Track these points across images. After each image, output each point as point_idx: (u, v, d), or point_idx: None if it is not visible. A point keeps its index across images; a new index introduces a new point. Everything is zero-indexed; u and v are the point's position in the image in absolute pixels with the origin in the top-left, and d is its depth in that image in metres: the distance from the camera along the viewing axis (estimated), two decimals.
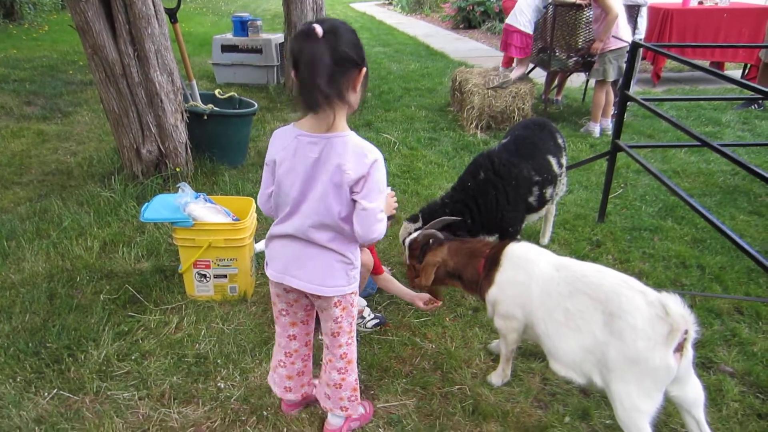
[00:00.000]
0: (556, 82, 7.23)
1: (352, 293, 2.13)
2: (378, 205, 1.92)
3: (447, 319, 3.13)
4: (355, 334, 2.25)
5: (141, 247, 3.67)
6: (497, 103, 6.02)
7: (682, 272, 3.60)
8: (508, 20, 6.65)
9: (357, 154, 1.91)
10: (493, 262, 2.49)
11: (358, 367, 2.72)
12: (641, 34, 6.59)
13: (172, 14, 4.47)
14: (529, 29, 6.40)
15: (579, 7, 6.00)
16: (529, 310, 2.33)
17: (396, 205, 2.68)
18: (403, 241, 3.00)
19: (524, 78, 6.43)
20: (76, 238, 3.74)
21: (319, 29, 1.70)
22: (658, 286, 3.38)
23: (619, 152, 4.01)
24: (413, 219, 3.33)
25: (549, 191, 3.43)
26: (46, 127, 5.83)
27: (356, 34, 1.82)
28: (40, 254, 3.57)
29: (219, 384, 2.62)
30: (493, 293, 2.45)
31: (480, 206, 3.22)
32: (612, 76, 5.93)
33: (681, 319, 1.89)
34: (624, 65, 5.85)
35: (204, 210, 3.08)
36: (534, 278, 2.31)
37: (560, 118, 6.69)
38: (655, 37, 8.09)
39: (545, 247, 3.66)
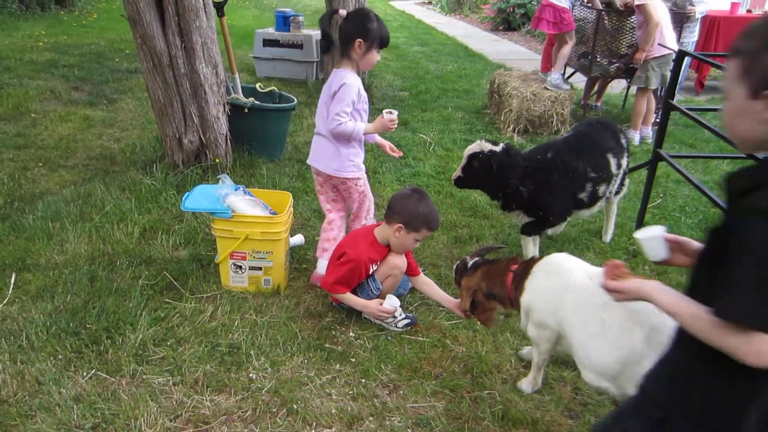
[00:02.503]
0: (596, 87, 7.11)
1: (353, 179, 3.20)
2: (335, 108, 3.00)
3: (478, 322, 3.11)
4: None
5: (179, 236, 3.74)
6: (536, 107, 5.95)
7: None
8: None
9: (337, 80, 3.00)
10: (523, 275, 2.47)
11: (387, 366, 2.75)
12: (692, 39, 6.42)
13: (219, 8, 4.54)
14: (564, 2, 6.17)
15: (623, 13, 5.87)
16: (562, 318, 2.30)
17: (393, 126, 3.19)
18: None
19: (564, 81, 6.32)
20: (117, 223, 3.84)
21: (343, 12, 3.06)
22: None
23: (661, 161, 3.92)
24: (494, 142, 3.33)
25: (602, 188, 3.43)
26: (92, 112, 5.99)
27: (366, 21, 2.99)
28: (83, 237, 3.67)
29: (251, 375, 2.66)
30: (525, 300, 2.43)
31: (539, 183, 3.29)
32: (654, 84, 5.80)
33: None
34: (668, 73, 5.72)
35: (243, 202, 3.12)
36: (567, 286, 2.28)
37: None
38: (700, 45, 7.88)
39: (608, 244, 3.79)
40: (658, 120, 6.12)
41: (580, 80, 7.17)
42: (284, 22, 7.73)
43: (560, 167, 3.30)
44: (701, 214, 4.45)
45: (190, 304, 3.12)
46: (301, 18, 7.80)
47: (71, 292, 3.15)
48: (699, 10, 6.30)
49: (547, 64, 6.92)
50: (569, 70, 7.08)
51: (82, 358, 2.69)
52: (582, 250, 3.84)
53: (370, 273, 3.05)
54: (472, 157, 3.28)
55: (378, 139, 3.39)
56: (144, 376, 2.61)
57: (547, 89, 6.14)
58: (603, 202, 3.63)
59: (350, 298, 2.97)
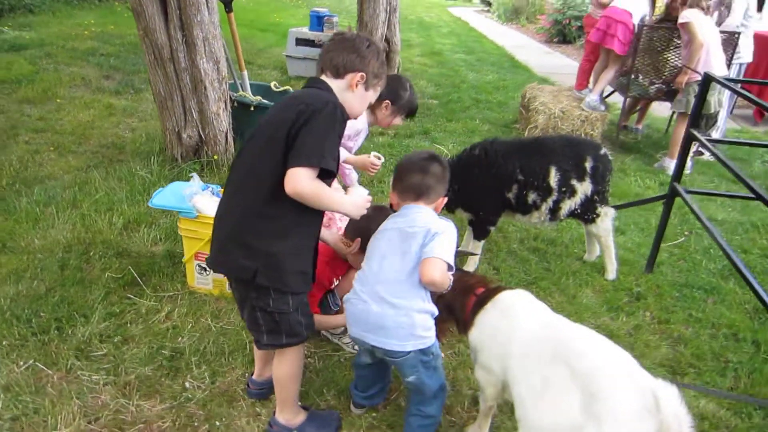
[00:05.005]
0: (638, 107, 6.68)
1: None
2: None
3: (443, 354, 2.89)
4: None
5: (161, 230, 3.71)
6: (563, 126, 5.64)
7: (731, 346, 3.13)
8: (617, 3, 5.71)
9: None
10: (481, 303, 2.25)
11: (330, 391, 2.59)
12: (745, 59, 5.91)
13: (227, 3, 4.50)
14: (636, 22, 5.63)
15: (674, 29, 5.44)
16: (507, 366, 2.06)
17: (372, 171, 3.13)
18: None
19: (601, 101, 5.96)
20: (104, 212, 3.85)
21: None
22: (698, 357, 2.98)
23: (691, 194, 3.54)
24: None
25: (533, 196, 3.39)
26: (115, 101, 6.12)
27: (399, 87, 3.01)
28: (68, 224, 3.70)
29: (186, 383, 2.56)
30: (473, 337, 2.22)
31: (463, 180, 3.31)
32: (712, 108, 5.33)
33: (674, 420, 1.57)
34: (718, 98, 5.28)
35: (210, 203, 3.03)
36: (515, 330, 2.05)
37: (635, 150, 6.17)
38: (763, 70, 7.29)
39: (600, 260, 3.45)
40: (699, 149, 5.69)
41: (617, 100, 6.77)
42: (318, 21, 7.69)
43: (482, 162, 3.35)
44: (726, 259, 4.04)
45: (150, 301, 3.06)
46: (335, 18, 7.74)
47: (38, 278, 3.15)
48: (737, 23, 5.70)
49: (584, 81, 6.56)
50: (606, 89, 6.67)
51: (26, 347, 2.67)
52: (579, 286, 3.56)
53: (332, 287, 2.90)
54: None
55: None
56: (79, 372, 2.55)
57: (583, 109, 5.80)
58: (545, 216, 3.48)
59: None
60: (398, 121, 3.22)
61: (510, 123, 6.76)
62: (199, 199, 3.02)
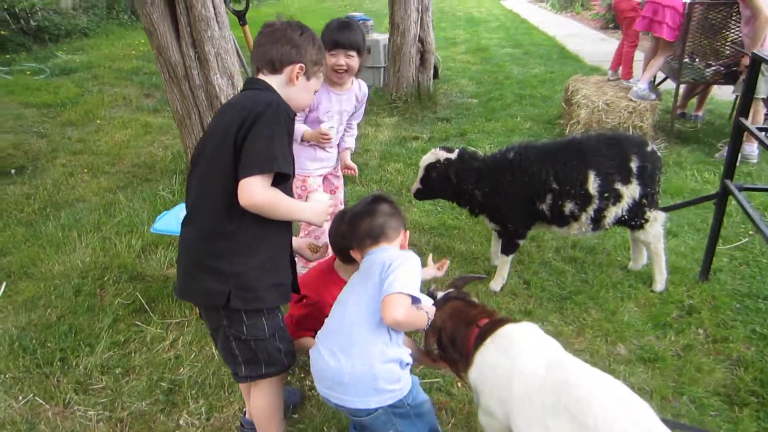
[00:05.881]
0: (697, 92, 6.08)
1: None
2: None
3: (457, 384, 2.64)
4: None
5: (177, 253, 3.65)
6: (608, 119, 5.19)
7: None
8: None
9: None
10: (483, 337, 1.99)
11: (332, 428, 2.41)
12: None
13: (240, 16, 4.41)
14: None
15: (731, 5, 4.87)
16: (509, 411, 1.80)
17: (325, 140, 2.77)
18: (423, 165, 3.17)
19: (651, 89, 5.45)
20: (125, 234, 3.85)
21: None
22: (762, 383, 2.58)
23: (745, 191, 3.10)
24: (448, 149, 3.20)
25: (570, 206, 3.06)
26: (153, 119, 6.22)
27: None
28: (89, 248, 3.71)
29: (181, 420, 2.45)
30: (473, 378, 1.96)
31: (493, 184, 3.12)
32: (763, 92, 4.77)
33: None
34: None
35: None
36: (517, 371, 1.78)
37: (693, 139, 5.60)
38: None
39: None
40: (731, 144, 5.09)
41: (670, 86, 6.19)
42: None
43: (515, 168, 3.08)
44: None
45: (156, 329, 2.99)
46: (370, 22, 7.58)
47: (51, 306, 3.16)
48: None
49: (620, 61, 6.05)
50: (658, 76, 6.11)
51: (28, 380, 2.64)
52: (620, 300, 3.19)
53: None
54: (430, 167, 3.15)
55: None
56: (75, 407, 2.50)
57: (631, 99, 5.32)
58: (586, 227, 3.13)
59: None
60: (335, 60, 2.72)
61: (553, 119, 6.34)
62: None
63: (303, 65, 1.90)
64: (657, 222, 3.19)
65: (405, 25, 6.42)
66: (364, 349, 1.77)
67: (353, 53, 2.77)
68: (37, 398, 2.54)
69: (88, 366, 2.71)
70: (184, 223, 1.93)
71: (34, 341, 2.86)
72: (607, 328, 2.97)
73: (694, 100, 6.23)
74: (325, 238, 2.72)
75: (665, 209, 3.40)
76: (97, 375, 2.68)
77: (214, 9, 3.78)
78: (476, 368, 1.94)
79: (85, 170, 4.93)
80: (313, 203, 1.98)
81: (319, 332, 1.93)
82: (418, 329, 1.96)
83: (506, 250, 3.32)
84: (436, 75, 7.64)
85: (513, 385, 1.77)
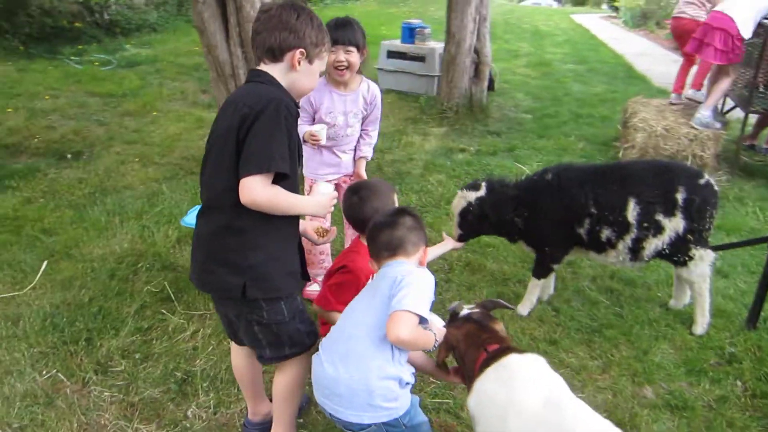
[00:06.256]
0: None
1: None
2: None
3: (467, 408, 2.55)
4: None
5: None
6: (666, 145, 4.94)
7: None
8: (720, 7, 4.97)
9: None
10: (488, 363, 1.91)
11: None
12: None
13: None
14: (744, 32, 4.82)
15: None
16: None
17: (314, 142, 2.68)
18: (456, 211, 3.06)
19: (715, 117, 5.15)
20: (164, 224, 3.97)
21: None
22: None
23: None
24: (474, 186, 3.06)
25: (608, 233, 2.92)
26: (206, 114, 6.41)
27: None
28: (128, 234, 3.85)
29: (189, 411, 2.48)
30: (470, 403, 1.89)
31: (530, 207, 3.01)
32: None
33: None
34: None
35: None
36: (513, 405, 1.70)
37: (760, 174, 5.26)
38: None
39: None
40: None
41: (739, 115, 5.83)
42: (410, 33, 7.54)
43: (554, 191, 2.97)
44: None
45: (179, 319, 3.06)
46: (428, 30, 7.54)
47: (86, 287, 3.28)
48: None
49: (682, 83, 5.75)
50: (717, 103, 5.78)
51: (55, 356, 2.75)
52: (654, 339, 3.00)
53: None
54: (464, 213, 3.02)
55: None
56: (93, 387, 2.58)
57: (692, 127, 5.05)
58: (624, 256, 2.98)
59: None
60: (334, 57, 2.73)
61: (609, 141, 6.10)
62: None
63: (303, 50, 1.87)
64: (703, 261, 2.98)
65: (461, 34, 6.36)
66: (362, 362, 1.74)
67: (352, 49, 2.75)
68: (59, 374, 2.64)
69: (110, 348, 2.80)
70: (198, 218, 1.98)
71: (64, 319, 2.98)
72: (636, 368, 2.80)
73: (766, 132, 5.86)
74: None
75: (716, 248, 3.18)
76: (118, 358, 2.76)
77: None
78: (475, 395, 1.87)
79: (136, 159, 5.13)
80: (316, 196, 1.99)
81: (323, 339, 1.92)
82: (423, 350, 1.91)
83: (538, 274, 3.20)
84: (491, 87, 7.53)
85: (508, 420, 1.70)
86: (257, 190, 1.71)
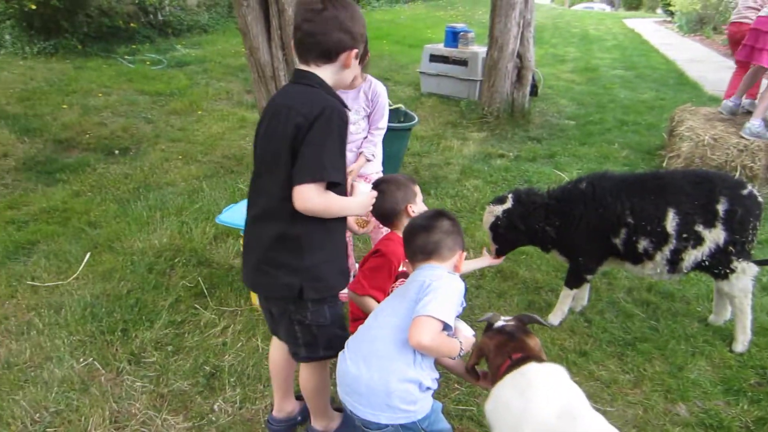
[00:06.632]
0: None
1: None
2: None
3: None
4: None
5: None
6: (714, 155, 4.75)
7: None
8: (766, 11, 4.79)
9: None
10: (507, 371, 1.89)
11: None
12: None
13: None
14: None
15: None
16: None
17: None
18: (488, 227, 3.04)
19: (766, 127, 4.92)
20: (202, 221, 4.07)
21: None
22: None
23: None
24: (500, 200, 3.05)
25: (645, 244, 2.84)
26: (249, 115, 6.55)
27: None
28: (168, 230, 3.97)
29: (216, 405, 2.54)
30: (487, 409, 1.87)
31: (563, 217, 2.95)
32: None
33: None
34: None
35: None
36: (528, 414, 1.67)
37: None
38: None
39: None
40: None
41: None
42: (454, 37, 7.50)
43: (588, 199, 2.90)
44: None
45: (211, 314, 3.13)
46: (471, 34, 7.49)
47: (125, 279, 3.40)
48: None
49: (735, 90, 5.50)
50: None
51: (92, 344, 2.87)
52: (691, 356, 2.90)
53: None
54: (493, 227, 3.01)
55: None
56: (126, 376, 2.68)
57: (742, 137, 4.85)
58: (662, 267, 2.88)
59: None
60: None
61: (654, 149, 5.91)
62: None
63: (357, 50, 1.87)
64: (745, 274, 2.86)
65: (504, 39, 6.29)
66: (383, 363, 1.75)
67: None
68: (95, 362, 2.75)
69: (144, 340, 2.90)
70: (254, 222, 2.00)
71: (103, 310, 3.10)
72: (670, 384, 2.71)
73: None
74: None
75: (760, 262, 3.05)
76: (151, 350, 2.85)
77: None
78: (492, 401, 1.86)
79: (180, 157, 5.29)
80: (358, 196, 2.03)
81: (350, 337, 1.94)
82: (447, 356, 1.89)
83: (571, 284, 3.13)
84: (534, 92, 7.41)
85: (522, 429, 1.67)
86: (312, 199, 1.75)
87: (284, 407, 2.39)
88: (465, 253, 2.02)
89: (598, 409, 1.91)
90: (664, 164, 5.05)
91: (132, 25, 9.14)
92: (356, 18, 1.84)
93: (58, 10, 7.91)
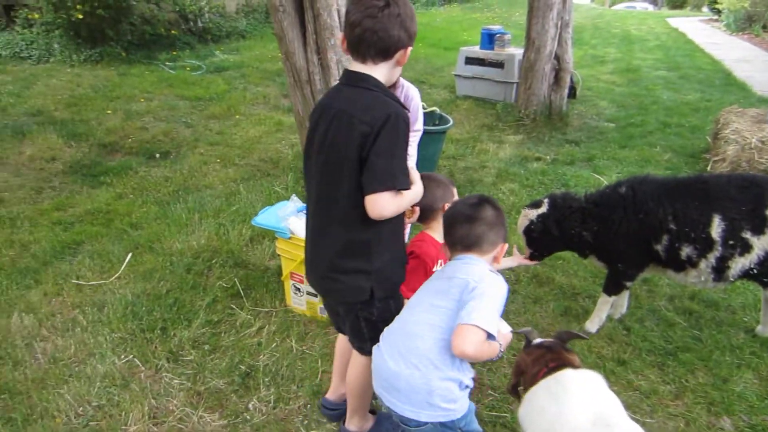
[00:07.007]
0: None
1: None
2: None
3: None
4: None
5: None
6: (762, 159, 4.57)
7: None
8: None
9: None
10: (544, 377, 1.86)
11: None
12: None
13: None
14: None
15: None
16: None
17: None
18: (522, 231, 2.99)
19: None
20: (239, 223, 4.14)
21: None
22: None
23: None
24: (535, 204, 3.00)
25: (688, 251, 2.75)
26: (285, 118, 6.63)
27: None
28: (206, 231, 4.05)
29: (250, 404, 2.58)
30: (521, 414, 1.84)
31: (602, 222, 2.88)
32: None
33: None
34: None
35: (303, 225, 3.04)
36: (562, 420, 1.64)
37: None
38: None
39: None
40: None
41: None
42: (490, 39, 7.44)
43: (627, 204, 2.82)
44: None
45: (247, 314, 3.18)
46: (507, 36, 7.41)
47: (164, 279, 3.49)
48: None
49: None
50: None
51: (133, 342, 2.95)
52: (736, 368, 2.79)
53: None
54: (527, 231, 2.96)
55: None
56: (164, 374, 2.74)
57: None
58: (706, 275, 2.77)
59: None
60: None
61: (699, 152, 5.72)
62: (293, 220, 3.04)
63: (410, 47, 1.88)
64: None
65: (541, 40, 6.20)
66: (424, 361, 1.73)
67: None
68: (135, 359, 2.83)
69: (182, 338, 2.96)
70: (318, 230, 2.01)
71: (143, 308, 3.18)
72: (714, 396, 2.61)
73: None
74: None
75: None
76: (188, 348, 2.91)
77: (339, 18, 3.93)
78: (525, 406, 1.83)
79: (218, 160, 5.40)
80: (418, 186, 1.97)
81: (386, 329, 1.93)
82: (487, 359, 1.86)
83: (609, 290, 3.06)
84: (573, 94, 7.28)
85: None
86: (387, 206, 1.77)
87: (339, 389, 2.46)
88: (506, 245, 1.95)
89: (636, 420, 1.86)
90: (709, 168, 4.88)
91: (173, 32, 9.39)
92: (413, 17, 1.86)
93: (104, 19, 8.19)
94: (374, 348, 1.90)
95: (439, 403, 1.72)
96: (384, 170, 1.74)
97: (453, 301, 1.74)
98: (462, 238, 1.87)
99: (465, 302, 1.70)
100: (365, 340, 2.09)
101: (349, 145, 1.76)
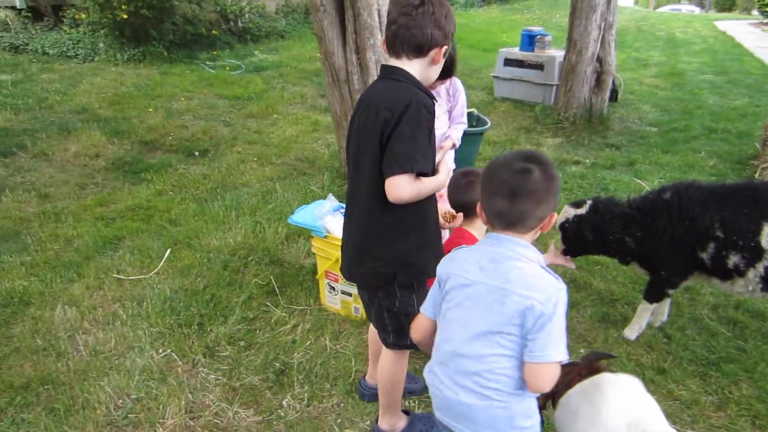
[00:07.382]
0: None
1: None
2: None
3: None
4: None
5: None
6: None
7: None
8: None
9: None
10: (580, 380, 1.82)
11: None
12: None
13: None
14: None
15: None
16: None
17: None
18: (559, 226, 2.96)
19: None
20: (275, 221, 4.19)
21: None
22: None
23: None
24: (578, 204, 2.98)
25: (736, 259, 2.64)
26: (322, 118, 6.68)
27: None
28: (243, 229, 4.11)
29: (284, 401, 2.60)
30: (556, 417, 1.80)
31: (646, 228, 2.81)
32: None
33: None
34: None
35: (339, 224, 3.05)
36: (597, 422, 1.60)
37: None
38: None
39: None
40: None
41: None
42: (530, 41, 7.34)
43: (673, 210, 2.74)
44: None
45: (282, 312, 3.21)
46: (548, 38, 7.29)
47: (201, 275, 3.55)
48: None
49: None
50: None
51: (170, 336, 3.01)
52: None
53: None
54: (562, 228, 2.95)
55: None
56: (201, 369, 2.79)
57: None
58: (754, 285, 2.66)
59: None
60: None
61: (746, 159, 5.52)
62: (329, 219, 3.05)
63: (447, 48, 1.89)
64: None
65: (583, 42, 6.08)
66: (500, 393, 1.55)
67: None
68: (173, 354, 2.88)
69: (218, 334, 3.00)
70: (350, 217, 2.10)
71: (181, 304, 3.24)
72: (758, 409, 2.52)
73: None
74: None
75: None
76: (224, 344, 2.95)
77: (379, 18, 3.93)
78: (560, 410, 1.80)
79: (255, 159, 5.47)
80: (442, 174, 1.96)
81: (434, 351, 1.69)
82: None
83: (650, 297, 2.97)
84: (614, 98, 7.14)
85: None
86: (404, 189, 1.79)
87: (376, 374, 2.45)
88: (556, 215, 1.59)
89: (678, 431, 1.80)
90: (757, 175, 4.71)
91: (213, 32, 9.58)
92: (450, 17, 1.87)
93: (147, 19, 8.41)
94: (428, 373, 1.72)
95: (521, 423, 1.58)
96: (403, 153, 1.77)
97: (514, 327, 1.49)
98: (502, 212, 1.53)
99: (532, 332, 1.47)
100: (388, 332, 2.13)
101: (374, 131, 1.81)
